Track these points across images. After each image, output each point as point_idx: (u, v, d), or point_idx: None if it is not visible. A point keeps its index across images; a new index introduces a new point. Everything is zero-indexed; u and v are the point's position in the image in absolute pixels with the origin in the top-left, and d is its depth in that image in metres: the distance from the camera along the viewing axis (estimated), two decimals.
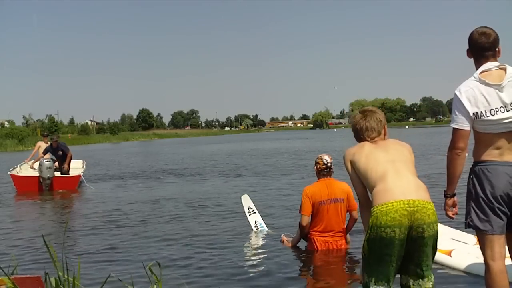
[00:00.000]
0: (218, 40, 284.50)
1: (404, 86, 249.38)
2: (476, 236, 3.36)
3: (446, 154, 3.17)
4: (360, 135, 3.31)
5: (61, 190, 12.61)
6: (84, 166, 15.79)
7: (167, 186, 13.08)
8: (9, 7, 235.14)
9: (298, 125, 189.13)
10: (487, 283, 3.08)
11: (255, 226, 6.66)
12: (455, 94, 3.08)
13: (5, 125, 73.13)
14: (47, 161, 12.66)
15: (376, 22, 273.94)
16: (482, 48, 3.08)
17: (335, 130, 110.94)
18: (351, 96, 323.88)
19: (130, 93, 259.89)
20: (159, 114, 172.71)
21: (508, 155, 3.01)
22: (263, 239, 6.25)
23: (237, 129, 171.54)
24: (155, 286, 2.95)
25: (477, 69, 3.10)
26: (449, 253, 4.66)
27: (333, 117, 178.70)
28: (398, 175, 3.00)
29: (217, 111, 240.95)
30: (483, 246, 3.08)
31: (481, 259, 3.24)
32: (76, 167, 15.13)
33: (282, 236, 5.96)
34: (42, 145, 14.50)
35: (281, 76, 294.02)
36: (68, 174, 13.47)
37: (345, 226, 5.36)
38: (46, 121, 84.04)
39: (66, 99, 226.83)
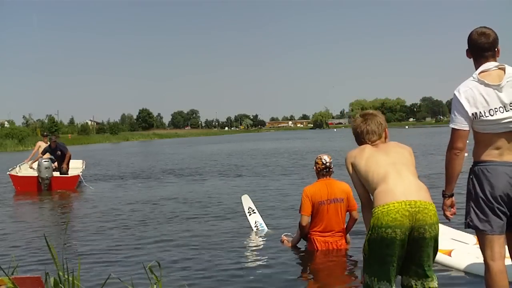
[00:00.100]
0: (218, 40, 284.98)
1: (404, 86, 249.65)
2: (476, 236, 3.36)
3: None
4: (361, 139, 3.32)
5: (60, 190, 12.63)
6: (84, 166, 15.79)
7: (167, 186, 13.09)
8: (9, 7, 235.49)
9: (298, 125, 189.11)
10: (487, 283, 3.08)
11: (255, 226, 6.67)
12: (454, 94, 3.08)
13: (5, 125, 73.13)
14: (45, 161, 12.70)
15: (376, 22, 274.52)
16: (481, 48, 3.08)
17: (335, 130, 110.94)
18: (351, 96, 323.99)
19: (130, 93, 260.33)
20: (159, 114, 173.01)
21: (508, 155, 3.01)
22: (263, 239, 6.25)
23: (237, 129, 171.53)
24: (155, 286, 2.95)
25: (476, 69, 3.11)
26: (449, 253, 4.66)
27: (333, 117, 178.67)
28: (399, 177, 3.01)
29: (217, 111, 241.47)
30: (483, 246, 3.09)
31: (481, 259, 3.24)
32: (76, 167, 15.13)
33: (282, 236, 5.96)
34: (42, 145, 14.52)
35: (281, 76, 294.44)
36: (67, 174, 13.47)
37: (345, 226, 5.37)
38: (46, 121, 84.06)
39: (66, 99, 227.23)
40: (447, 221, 3.51)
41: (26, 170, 14.06)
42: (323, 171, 5.27)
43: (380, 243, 2.91)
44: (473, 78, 3.07)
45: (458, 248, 4.79)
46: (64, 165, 13.54)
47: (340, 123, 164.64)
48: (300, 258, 5.35)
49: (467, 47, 3.17)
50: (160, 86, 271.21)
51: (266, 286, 4.47)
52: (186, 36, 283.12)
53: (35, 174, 12.84)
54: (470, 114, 3.01)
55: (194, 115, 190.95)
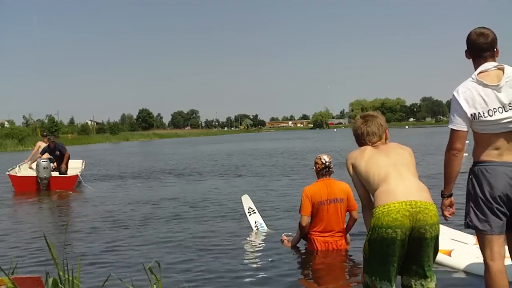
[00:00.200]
0: (218, 40, 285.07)
1: (404, 86, 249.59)
2: (475, 236, 3.37)
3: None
4: (361, 140, 3.33)
5: (58, 190, 12.65)
6: (83, 166, 15.79)
7: (167, 186, 13.09)
8: (9, 7, 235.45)
9: (298, 125, 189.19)
10: (486, 283, 3.09)
11: (255, 226, 6.67)
12: (453, 95, 3.09)
13: (5, 125, 73.13)
14: (43, 161, 12.74)
15: (376, 22, 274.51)
16: (480, 48, 3.09)
17: (335, 130, 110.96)
18: (351, 96, 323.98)
19: (130, 93, 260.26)
20: (159, 114, 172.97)
21: (507, 155, 3.02)
22: (263, 239, 6.25)
23: (237, 129, 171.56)
24: (154, 286, 2.95)
25: (475, 69, 3.11)
26: (448, 253, 4.67)
27: (333, 117, 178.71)
28: (400, 177, 3.01)
29: (217, 111, 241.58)
30: (483, 246, 3.09)
31: (480, 259, 3.25)
32: (75, 166, 15.14)
33: (282, 235, 5.96)
34: (42, 145, 14.53)
35: (281, 76, 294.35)
36: (66, 174, 13.49)
37: (345, 226, 5.37)
38: (46, 121, 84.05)
39: (66, 99, 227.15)
40: (446, 221, 3.52)
41: (26, 170, 14.08)
42: (323, 171, 5.28)
43: (380, 243, 2.91)
44: (472, 78, 3.07)
45: (458, 248, 4.80)
46: (63, 165, 13.56)
47: (340, 123, 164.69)
48: (300, 258, 5.35)
49: (465, 48, 3.18)
50: (160, 86, 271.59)
51: (266, 286, 4.47)
52: (186, 36, 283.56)
53: (34, 174, 12.86)
54: (469, 115, 3.01)
55: (194, 115, 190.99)
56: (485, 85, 3.00)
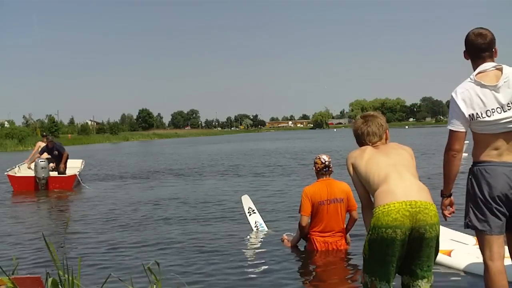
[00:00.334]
0: (218, 40, 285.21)
1: (404, 86, 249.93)
2: (475, 237, 3.37)
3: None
4: (361, 140, 3.33)
5: (57, 190, 12.69)
6: (82, 166, 15.80)
7: (167, 186, 13.08)
8: (9, 7, 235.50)
9: (298, 125, 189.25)
10: (486, 283, 3.09)
11: (255, 226, 6.67)
12: (452, 96, 3.10)
13: (5, 125, 73.11)
14: (41, 161, 12.78)
15: (376, 22, 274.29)
16: (478, 49, 3.09)
17: (335, 130, 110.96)
18: (351, 96, 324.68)
19: (130, 93, 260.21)
20: (159, 114, 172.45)
21: (507, 155, 3.02)
22: (263, 239, 6.25)
23: (237, 129, 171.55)
24: (154, 286, 2.95)
25: (474, 70, 3.11)
26: (448, 253, 4.67)
27: (333, 117, 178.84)
28: (400, 177, 3.02)
29: (217, 111, 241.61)
30: (482, 246, 3.09)
31: (480, 259, 3.25)
32: (75, 166, 15.15)
33: (283, 235, 5.96)
34: (42, 145, 14.52)
35: (281, 76, 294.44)
36: (65, 174, 13.52)
37: (345, 226, 5.37)
38: (46, 121, 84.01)
39: (66, 99, 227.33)
40: (446, 221, 3.53)
41: (25, 170, 14.11)
42: (323, 171, 5.28)
43: (380, 243, 2.91)
44: (470, 79, 3.07)
45: (457, 249, 4.80)
46: (62, 165, 13.59)
47: (340, 123, 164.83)
48: (300, 259, 5.35)
49: (464, 49, 3.18)
50: (160, 86, 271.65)
51: (265, 286, 4.48)
52: (186, 36, 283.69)
53: (33, 174, 12.90)
54: (467, 115, 3.02)
55: (194, 115, 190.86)
56: (483, 86, 3.01)
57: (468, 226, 3.15)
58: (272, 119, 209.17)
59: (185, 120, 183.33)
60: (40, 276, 2.91)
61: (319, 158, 5.30)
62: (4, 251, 6.09)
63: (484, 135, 3.05)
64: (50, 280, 2.82)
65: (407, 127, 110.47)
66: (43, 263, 5.27)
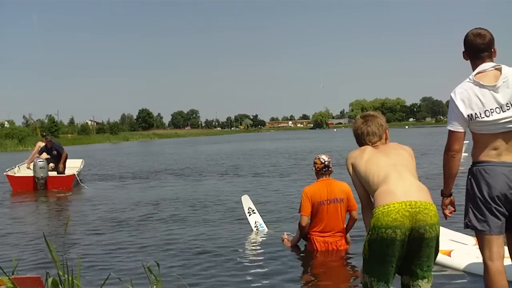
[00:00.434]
0: (218, 40, 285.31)
1: (404, 86, 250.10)
2: (475, 238, 3.37)
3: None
4: (361, 140, 3.33)
5: (56, 190, 12.70)
6: (81, 166, 15.80)
7: (167, 186, 13.08)
8: (9, 7, 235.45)
9: (298, 125, 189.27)
10: (486, 283, 3.09)
11: (255, 226, 6.67)
12: (451, 96, 3.11)
13: (5, 125, 73.10)
14: (40, 161, 12.81)
15: (376, 22, 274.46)
16: (477, 49, 3.09)
17: (335, 130, 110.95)
18: (351, 96, 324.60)
19: (130, 93, 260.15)
20: (159, 114, 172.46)
21: (506, 155, 3.02)
22: (263, 239, 6.25)
23: (237, 129, 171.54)
24: (154, 286, 2.96)
25: (473, 70, 3.11)
26: (448, 253, 4.67)
27: (333, 117, 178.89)
28: (400, 178, 3.01)
29: (217, 111, 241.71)
30: (482, 246, 3.10)
31: (480, 259, 3.25)
32: (74, 166, 15.17)
33: (283, 235, 5.96)
34: (42, 145, 14.54)
35: (281, 76, 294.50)
36: (64, 174, 13.54)
37: (345, 226, 5.37)
38: (46, 121, 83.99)
39: (66, 99, 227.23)
40: (446, 221, 3.54)
41: (25, 170, 14.14)
42: (322, 170, 5.28)
43: (380, 243, 2.91)
44: (469, 79, 3.08)
45: (457, 249, 4.80)
46: (61, 165, 13.62)
47: (340, 123, 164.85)
48: (300, 259, 5.35)
49: (463, 49, 3.18)
50: (160, 86, 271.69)
51: (265, 286, 4.48)
52: (186, 36, 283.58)
53: (32, 174, 12.92)
54: (466, 116, 3.02)
55: (194, 115, 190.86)
56: (481, 86, 3.01)
57: (467, 226, 3.16)
58: (272, 119, 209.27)
59: (185, 120, 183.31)
60: (40, 276, 2.91)
61: (319, 158, 5.30)
62: (4, 251, 6.08)
63: (483, 135, 3.06)
64: (50, 280, 2.82)
65: (407, 127, 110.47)
66: (43, 263, 5.27)
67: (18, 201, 11.38)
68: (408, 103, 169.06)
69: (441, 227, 3.11)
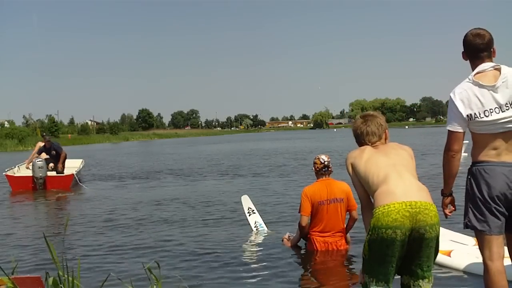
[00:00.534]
0: (218, 40, 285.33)
1: (404, 86, 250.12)
2: (475, 238, 3.38)
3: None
4: (361, 140, 3.33)
5: (55, 190, 12.72)
6: (81, 166, 15.81)
7: (166, 186, 13.09)
8: (9, 7, 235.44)
9: (298, 125, 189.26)
10: (486, 283, 3.09)
11: (255, 227, 6.67)
12: (450, 96, 3.11)
13: (5, 125, 73.08)
14: (39, 161, 12.85)
15: (376, 22, 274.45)
16: (477, 49, 3.09)
17: (335, 130, 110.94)
18: (351, 96, 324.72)
19: (130, 93, 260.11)
20: (159, 114, 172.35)
21: (506, 155, 3.02)
22: (262, 239, 6.26)
23: (237, 129, 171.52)
24: (154, 286, 2.96)
25: (473, 70, 3.11)
26: (448, 254, 4.67)
27: (333, 117, 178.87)
28: (400, 178, 3.01)
29: (217, 111, 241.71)
30: (482, 246, 3.10)
31: (480, 259, 3.25)
32: (74, 166, 15.18)
33: (283, 235, 5.95)
34: (42, 145, 14.55)
35: (281, 76, 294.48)
36: (63, 174, 13.56)
37: (345, 226, 5.37)
38: (46, 121, 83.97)
39: (66, 99, 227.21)
40: (446, 221, 3.54)
41: (24, 170, 14.16)
42: (322, 170, 5.29)
43: (380, 243, 2.91)
44: (468, 79, 3.08)
45: (457, 249, 4.80)
46: (59, 165, 13.65)
47: (340, 123, 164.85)
48: (299, 259, 5.35)
49: (462, 49, 3.18)
50: (160, 86, 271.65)
51: (265, 286, 4.48)
52: (186, 36, 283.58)
53: (31, 174, 12.94)
54: (465, 116, 3.02)
55: (194, 115, 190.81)
56: (481, 86, 3.01)
57: (467, 226, 3.16)
58: (272, 119, 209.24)
59: (185, 120, 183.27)
60: (40, 276, 2.91)
61: (318, 158, 5.31)
62: (4, 251, 6.09)
63: (483, 135, 3.06)
64: (50, 280, 2.83)
65: (407, 127, 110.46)
66: (43, 263, 5.27)
67: (17, 201, 11.38)
68: (408, 103, 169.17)
69: (441, 227, 3.11)
